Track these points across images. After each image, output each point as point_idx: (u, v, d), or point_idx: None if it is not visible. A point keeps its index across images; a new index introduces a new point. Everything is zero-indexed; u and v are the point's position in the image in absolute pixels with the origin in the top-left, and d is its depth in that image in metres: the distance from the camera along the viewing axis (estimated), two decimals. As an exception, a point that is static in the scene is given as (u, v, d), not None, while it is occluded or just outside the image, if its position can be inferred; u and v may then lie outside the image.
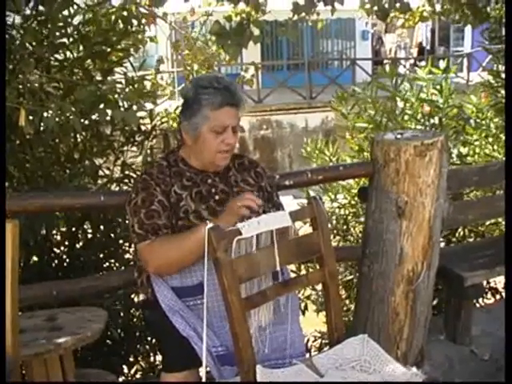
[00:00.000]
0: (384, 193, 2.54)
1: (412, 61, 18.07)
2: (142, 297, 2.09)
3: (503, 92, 5.90)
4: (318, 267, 1.95)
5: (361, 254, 2.67)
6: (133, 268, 2.17)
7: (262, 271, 1.79)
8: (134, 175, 3.79)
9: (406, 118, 5.19)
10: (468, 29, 17.93)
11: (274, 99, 13.95)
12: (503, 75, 5.80)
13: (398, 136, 2.56)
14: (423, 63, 19.14)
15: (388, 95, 5.27)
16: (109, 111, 3.26)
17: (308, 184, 2.81)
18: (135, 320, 3.61)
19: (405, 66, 16.60)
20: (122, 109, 3.21)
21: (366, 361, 1.81)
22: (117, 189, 3.61)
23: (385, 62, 18.77)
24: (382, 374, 1.75)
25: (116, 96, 3.33)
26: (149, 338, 3.58)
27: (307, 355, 2.18)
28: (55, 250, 3.54)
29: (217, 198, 2.05)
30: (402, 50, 18.72)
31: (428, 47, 20.02)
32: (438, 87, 5.12)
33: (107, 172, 3.77)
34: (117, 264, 3.57)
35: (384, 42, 20.09)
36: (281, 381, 1.71)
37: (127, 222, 2.04)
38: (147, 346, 3.68)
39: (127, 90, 3.54)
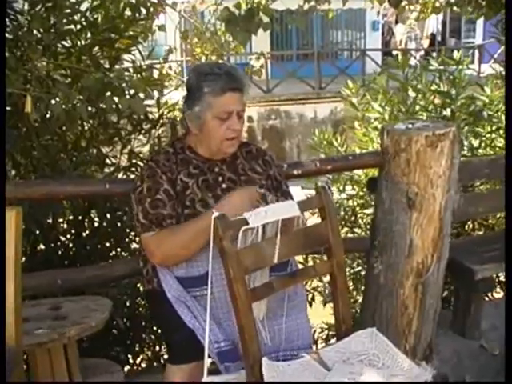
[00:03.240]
0: (394, 184, 2.50)
1: (422, 52, 17.95)
2: (147, 287, 2.06)
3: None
4: (325, 258, 1.91)
5: (369, 246, 2.63)
6: (138, 257, 2.13)
7: (268, 262, 1.75)
8: (142, 164, 3.76)
9: (417, 108, 5.15)
10: (480, 20, 17.75)
11: (283, 89, 13.86)
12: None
13: (410, 126, 2.51)
14: (434, 55, 19.07)
15: (398, 86, 5.22)
16: (115, 99, 3.24)
17: (316, 174, 2.77)
18: (140, 309, 3.59)
19: (415, 57, 16.45)
20: (128, 97, 3.19)
21: (375, 355, 1.77)
22: (124, 177, 3.59)
23: (395, 52, 18.66)
24: (390, 368, 1.71)
25: (123, 84, 3.30)
26: (154, 328, 3.56)
27: (314, 347, 2.14)
28: (61, 238, 3.52)
29: (224, 186, 2.02)
30: (412, 41, 18.51)
31: (439, 38, 19.84)
32: (452, 78, 5.08)
33: (114, 160, 3.75)
34: (123, 253, 3.56)
35: (394, 32, 19.91)
36: (287, 374, 1.67)
37: (134, 210, 2.00)
38: (152, 336, 3.66)
39: (134, 78, 3.51)
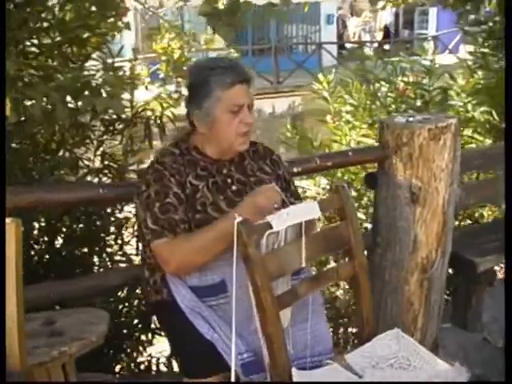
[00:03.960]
0: (396, 179, 2.44)
1: (376, 44, 18.12)
2: (154, 297, 1.93)
3: (480, 73, 5.89)
4: (346, 260, 1.83)
5: (371, 243, 2.57)
6: (142, 266, 2.00)
7: (293, 266, 1.66)
8: (115, 165, 3.63)
9: (388, 101, 5.13)
10: (432, 12, 18.04)
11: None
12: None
13: (410, 119, 2.45)
14: (387, 47, 19.29)
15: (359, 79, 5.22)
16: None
17: (316, 170, 2.69)
18: (123, 318, 3.46)
19: (370, 49, 16.59)
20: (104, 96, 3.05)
21: (404, 357, 1.71)
22: (96, 180, 3.44)
23: (349, 46, 18.79)
24: (423, 371, 1.64)
25: (99, 83, 3.16)
26: (136, 334, 3.44)
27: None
28: (35, 246, 3.36)
29: (234, 188, 1.91)
30: (366, 34, 18.69)
31: (392, 30, 20.07)
32: (426, 69, 5.08)
33: (88, 163, 3.60)
34: (106, 259, 3.41)
35: (347, 25, 20.05)
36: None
37: (140, 217, 1.87)
38: (134, 343, 3.53)
39: (111, 76, 3.36)
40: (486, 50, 6.18)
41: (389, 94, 5.14)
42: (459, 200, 2.58)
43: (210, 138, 1.91)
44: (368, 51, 17.20)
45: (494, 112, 5.05)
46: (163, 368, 3.52)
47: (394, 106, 5.02)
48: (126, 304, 3.37)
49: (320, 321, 1.88)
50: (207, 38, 7.53)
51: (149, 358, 3.54)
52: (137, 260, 3.36)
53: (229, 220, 1.69)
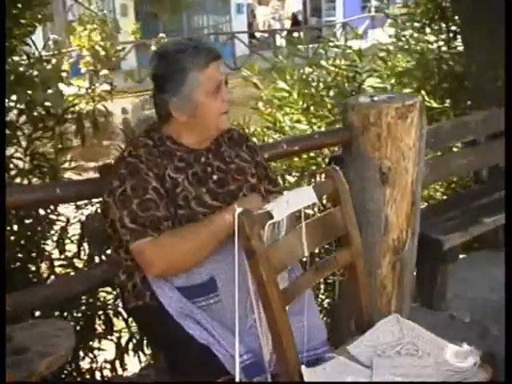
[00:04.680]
0: (365, 160, 2.38)
1: (285, 32, 18.24)
2: (134, 303, 1.76)
3: (399, 56, 6.00)
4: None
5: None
6: (117, 269, 1.82)
7: (296, 257, 1.55)
8: (47, 165, 3.41)
9: (321, 85, 5.11)
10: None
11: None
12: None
13: (375, 98, 2.39)
14: (296, 34, 19.46)
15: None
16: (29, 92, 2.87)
17: (284, 155, 2.59)
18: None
19: (281, 37, 16.70)
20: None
21: (410, 343, 1.64)
22: (25, 182, 3.20)
23: (258, 35, 18.81)
24: (435, 356, 1.58)
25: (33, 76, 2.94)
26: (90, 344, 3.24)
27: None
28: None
29: (215, 177, 1.78)
30: (276, 22, 18.76)
31: (300, 18, 20.25)
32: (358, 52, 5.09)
33: (18, 163, 3.34)
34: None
35: (256, 14, 20.07)
36: (331, 379, 1.49)
37: (113, 216, 1.70)
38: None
39: (47, 69, 3.14)
40: (407, 33, 6.31)
41: (320, 78, 5.14)
42: (425, 178, 2.55)
43: (190, 126, 1.76)
44: (279, 39, 17.33)
45: (423, 92, 5.16)
46: (108, 373, 3.34)
47: (327, 91, 5.02)
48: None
49: (313, 313, 1.79)
50: (134, 29, 7.25)
51: (94, 364, 3.34)
52: (80, 264, 3.17)
53: (227, 213, 1.57)
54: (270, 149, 2.33)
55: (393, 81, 5.37)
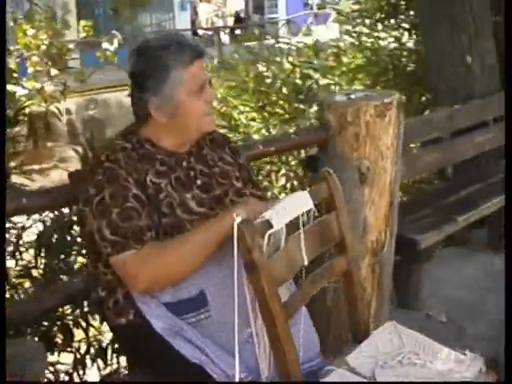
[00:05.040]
0: (343, 160, 2.30)
1: (228, 30, 18.13)
2: (116, 321, 1.61)
3: (351, 52, 6.00)
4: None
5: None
6: (96, 284, 1.68)
7: (296, 267, 1.46)
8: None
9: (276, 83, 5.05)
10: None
11: (100, 77, 13.11)
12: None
13: (352, 96, 2.32)
14: (239, 31, 19.39)
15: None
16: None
17: (262, 156, 2.48)
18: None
19: (225, 33, 16.61)
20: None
21: (411, 352, 1.57)
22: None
23: (201, 32, 18.61)
24: (438, 365, 1.52)
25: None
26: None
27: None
28: None
29: (199, 182, 1.66)
30: (219, 19, 18.63)
31: (243, 15, 20.19)
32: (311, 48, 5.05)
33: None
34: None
35: (198, 12, 19.89)
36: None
37: (90, 227, 1.56)
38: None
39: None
40: (357, 29, 6.32)
41: (276, 75, 5.07)
42: (401, 177, 2.50)
43: (171, 128, 1.64)
44: (223, 37, 17.21)
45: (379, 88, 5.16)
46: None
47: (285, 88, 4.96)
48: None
49: (308, 324, 1.69)
50: (87, 26, 6.98)
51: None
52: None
53: (225, 220, 1.46)
54: (246, 150, 2.22)
55: (347, 77, 5.40)
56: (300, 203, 1.47)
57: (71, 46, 8.49)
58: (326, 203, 1.59)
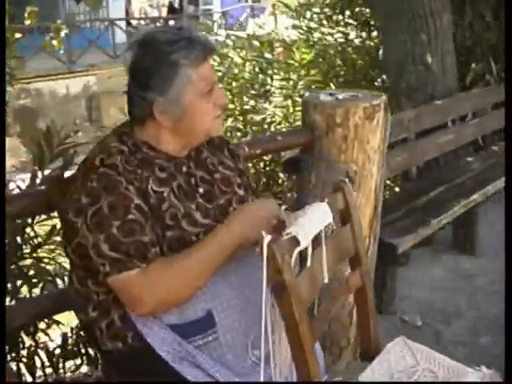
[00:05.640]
0: (329, 163, 2.21)
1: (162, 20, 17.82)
2: (109, 345, 1.44)
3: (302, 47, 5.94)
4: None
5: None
6: (85, 305, 1.51)
7: (317, 287, 1.35)
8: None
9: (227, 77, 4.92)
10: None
11: (32, 66, 12.59)
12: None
13: (340, 96, 2.23)
14: (172, 22, 19.08)
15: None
16: None
17: (247, 159, 2.35)
18: None
19: (160, 24, 16.30)
20: None
21: (426, 369, 1.49)
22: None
23: (135, 22, 18.20)
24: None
25: None
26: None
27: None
28: None
29: (201, 190, 1.51)
30: (154, 9, 18.24)
31: (177, 6, 19.87)
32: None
33: None
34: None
35: (131, 1, 19.45)
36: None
37: (85, 240, 1.39)
38: None
39: None
40: (306, 24, 6.26)
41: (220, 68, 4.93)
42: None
43: (174, 131, 1.47)
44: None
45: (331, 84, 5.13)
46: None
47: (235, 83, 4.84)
48: None
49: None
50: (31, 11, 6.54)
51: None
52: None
53: (232, 232, 1.37)
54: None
55: (299, 73, 5.33)
56: (321, 216, 1.36)
57: None
58: (341, 214, 1.48)
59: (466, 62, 4.30)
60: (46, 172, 2.72)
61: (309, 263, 1.30)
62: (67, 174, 1.76)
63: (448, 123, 3.76)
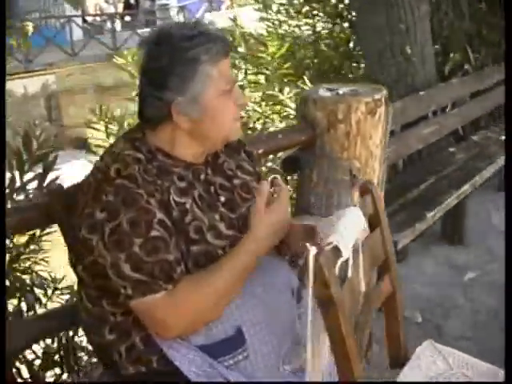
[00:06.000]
0: (332, 160, 2.15)
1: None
2: (130, 369, 1.33)
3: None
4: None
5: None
6: (98, 325, 1.40)
7: (357, 298, 1.28)
8: None
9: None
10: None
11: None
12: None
13: (340, 92, 2.16)
14: (128, 18, 18.80)
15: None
16: None
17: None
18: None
19: (117, 19, 16.05)
20: None
21: (461, 374, 1.44)
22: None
23: (90, 19, 17.84)
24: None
25: None
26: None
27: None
28: None
29: (222, 199, 1.42)
30: (110, 6, 17.88)
31: (132, 1, 19.56)
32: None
33: None
34: None
35: (85, -3, 19.03)
36: None
37: (103, 259, 1.28)
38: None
39: None
40: (274, 16, 6.19)
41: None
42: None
43: (192, 135, 1.36)
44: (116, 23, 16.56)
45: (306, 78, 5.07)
46: None
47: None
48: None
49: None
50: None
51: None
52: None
53: (257, 240, 1.31)
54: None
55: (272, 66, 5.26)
56: (356, 221, 1.28)
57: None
58: (370, 219, 1.41)
59: (443, 52, 4.28)
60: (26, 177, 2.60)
61: (349, 274, 1.21)
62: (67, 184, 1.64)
63: (428, 114, 3.73)
